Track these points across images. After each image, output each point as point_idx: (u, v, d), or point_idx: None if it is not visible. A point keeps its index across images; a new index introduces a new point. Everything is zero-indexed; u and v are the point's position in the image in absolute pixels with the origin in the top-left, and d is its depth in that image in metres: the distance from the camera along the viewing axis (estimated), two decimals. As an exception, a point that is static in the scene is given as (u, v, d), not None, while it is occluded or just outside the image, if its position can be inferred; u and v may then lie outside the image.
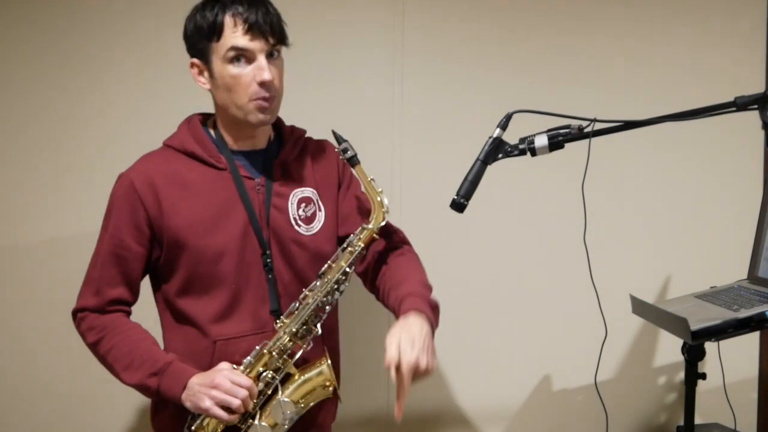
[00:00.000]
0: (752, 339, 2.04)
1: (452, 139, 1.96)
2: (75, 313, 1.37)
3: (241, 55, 1.26)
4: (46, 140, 1.88)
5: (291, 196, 1.39)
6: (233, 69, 1.26)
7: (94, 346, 1.35)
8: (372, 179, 1.37)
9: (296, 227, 1.38)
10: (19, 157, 1.88)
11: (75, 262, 1.88)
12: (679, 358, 1.61)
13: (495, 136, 1.35)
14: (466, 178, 1.35)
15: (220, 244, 1.32)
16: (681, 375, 2.00)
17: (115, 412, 1.91)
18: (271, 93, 1.29)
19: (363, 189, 1.40)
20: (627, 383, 2.02)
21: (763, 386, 2.04)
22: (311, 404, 1.36)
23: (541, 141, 1.33)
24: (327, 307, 1.34)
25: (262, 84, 1.27)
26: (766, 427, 2.02)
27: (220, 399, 1.24)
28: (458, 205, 1.34)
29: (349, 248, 1.35)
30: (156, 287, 1.41)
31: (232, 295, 1.34)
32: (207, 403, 1.24)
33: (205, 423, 1.31)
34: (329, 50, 1.91)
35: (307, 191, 1.42)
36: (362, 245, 1.35)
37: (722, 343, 1.69)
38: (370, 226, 1.36)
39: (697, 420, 1.62)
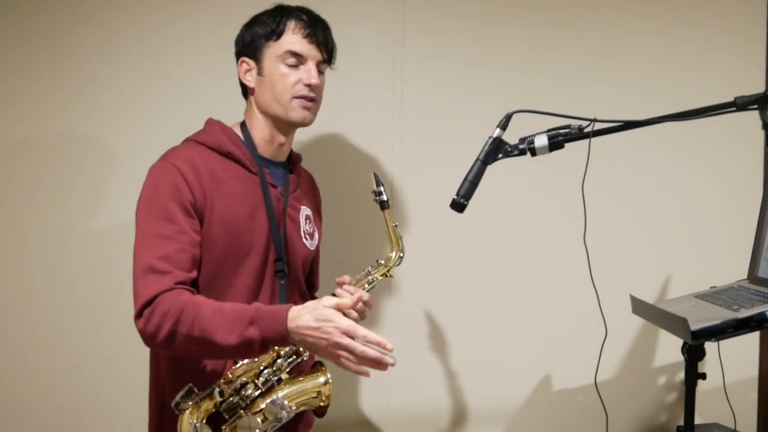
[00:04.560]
0: (752, 339, 2.04)
1: (452, 139, 1.96)
2: (144, 308, 1.21)
3: (294, 58, 1.38)
4: (43, 140, 1.89)
5: (301, 209, 1.49)
6: (284, 68, 1.38)
7: (174, 331, 1.19)
8: (396, 224, 1.50)
9: (304, 240, 1.48)
10: (16, 156, 1.89)
11: (75, 261, 1.89)
12: (679, 358, 1.61)
13: (495, 136, 1.35)
14: (466, 178, 1.35)
15: (247, 244, 1.36)
16: (681, 375, 2.00)
17: (114, 411, 1.91)
18: (313, 95, 1.40)
19: (387, 231, 1.50)
20: (627, 383, 2.02)
21: (763, 386, 2.03)
22: (299, 410, 1.38)
23: (541, 141, 1.33)
24: None
25: (309, 85, 1.38)
26: (766, 427, 2.02)
27: (343, 344, 1.17)
28: (458, 205, 1.35)
29: (369, 277, 1.47)
30: None
31: (249, 297, 1.36)
32: (329, 341, 1.17)
33: (200, 403, 1.27)
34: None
35: (308, 210, 1.53)
36: (379, 277, 1.48)
37: (722, 343, 1.69)
38: (388, 265, 1.49)
39: (697, 420, 1.62)
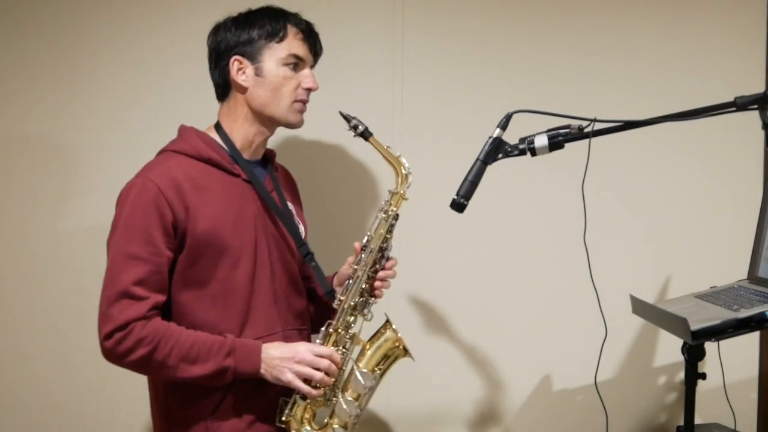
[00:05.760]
0: (752, 339, 2.03)
1: (452, 139, 1.96)
2: (115, 331, 1.24)
3: (296, 62, 1.40)
4: (43, 140, 1.89)
5: (287, 204, 1.50)
6: (287, 71, 1.39)
7: (147, 358, 1.25)
8: (388, 146, 1.43)
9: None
10: (16, 156, 1.89)
11: (75, 260, 1.89)
12: (679, 358, 1.61)
13: (495, 136, 1.35)
14: (466, 178, 1.35)
15: (239, 248, 1.35)
16: (681, 375, 2.00)
17: (114, 412, 1.91)
18: (307, 100, 1.44)
19: (383, 157, 1.45)
20: (627, 383, 2.02)
21: (763, 386, 2.03)
22: (388, 368, 1.44)
23: (541, 141, 1.34)
24: (376, 276, 1.44)
25: (308, 90, 1.42)
26: (766, 427, 2.02)
27: (302, 372, 1.29)
28: (458, 205, 1.35)
29: (384, 215, 1.43)
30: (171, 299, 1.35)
31: (294, 289, 1.43)
32: (289, 376, 1.29)
33: (293, 412, 1.35)
34: (329, 50, 1.90)
35: (291, 205, 1.54)
36: (396, 209, 1.44)
37: (722, 343, 1.68)
38: (399, 190, 1.44)
39: (697, 420, 1.62)
